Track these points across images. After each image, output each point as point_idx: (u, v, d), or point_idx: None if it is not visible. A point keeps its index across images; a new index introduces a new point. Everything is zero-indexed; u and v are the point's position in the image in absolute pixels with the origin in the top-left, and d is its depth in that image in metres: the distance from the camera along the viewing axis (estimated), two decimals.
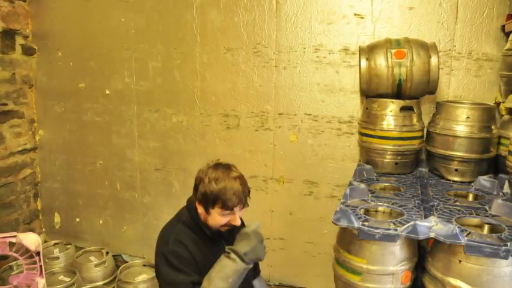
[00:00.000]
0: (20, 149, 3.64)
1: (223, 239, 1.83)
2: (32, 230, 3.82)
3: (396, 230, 1.65)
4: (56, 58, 3.59)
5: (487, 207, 1.92)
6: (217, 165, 1.76)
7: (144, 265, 3.50)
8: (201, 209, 1.75)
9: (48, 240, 3.85)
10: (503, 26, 2.48)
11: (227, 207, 1.68)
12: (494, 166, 2.40)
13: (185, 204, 1.93)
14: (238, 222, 1.73)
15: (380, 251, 1.75)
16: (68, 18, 3.48)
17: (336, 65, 2.84)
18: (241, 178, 1.74)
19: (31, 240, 2.70)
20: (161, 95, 3.32)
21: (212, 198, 1.67)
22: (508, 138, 2.19)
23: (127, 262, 3.58)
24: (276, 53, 2.96)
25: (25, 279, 2.78)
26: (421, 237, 1.63)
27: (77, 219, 3.86)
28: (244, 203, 1.73)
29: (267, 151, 3.11)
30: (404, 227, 1.66)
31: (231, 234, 1.79)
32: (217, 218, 1.71)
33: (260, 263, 2.10)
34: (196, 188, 1.75)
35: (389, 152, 2.43)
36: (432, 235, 1.62)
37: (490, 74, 2.59)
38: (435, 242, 1.70)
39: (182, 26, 3.15)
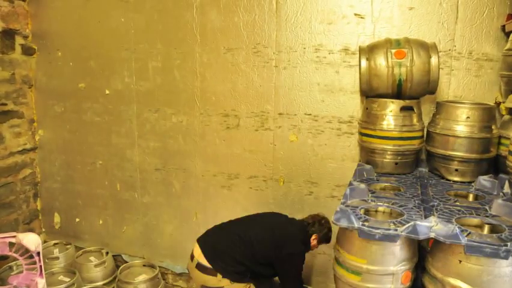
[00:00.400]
0: (19, 149, 3.64)
1: None
2: (31, 230, 3.82)
3: (396, 230, 1.65)
4: (55, 58, 3.59)
5: (487, 207, 1.92)
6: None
7: (144, 265, 3.50)
8: (312, 242, 2.58)
9: (48, 240, 3.85)
10: (504, 26, 2.47)
11: (326, 238, 2.66)
12: (494, 166, 2.40)
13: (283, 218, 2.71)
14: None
15: (380, 251, 1.75)
16: (68, 18, 3.48)
17: (336, 65, 2.84)
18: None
19: (31, 240, 2.70)
20: (161, 95, 3.32)
21: (323, 234, 2.63)
22: (508, 138, 2.19)
23: (126, 262, 3.58)
24: (276, 53, 2.96)
25: (25, 280, 2.78)
26: (421, 237, 1.63)
27: (77, 219, 3.86)
28: None
29: (267, 151, 3.11)
30: (404, 227, 1.65)
31: None
32: (313, 244, 2.61)
33: None
34: (321, 227, 2.63)
35: (389, 152, 2.42)
36: (432, 235, 1.62)
37: (490, 74, 2.59)
38: (436, 242, 1.70)
39: (182, 26, 3.15)
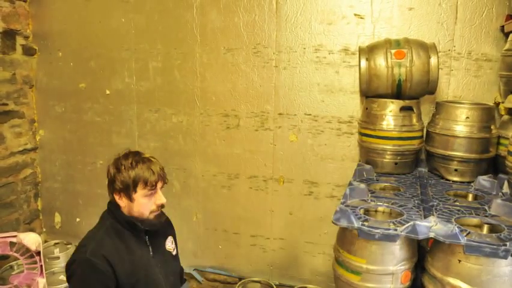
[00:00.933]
0: (20, 149, 3.64)
1: (148, 234, 1.81)
2: (32, 230, 3.82)
3: (396, 230, 1.66)
4: (56, 58, 3.59)
5: (486, 207, 1.93)
6: (126, 154, 1.80)
7: None
8: (123, 202, 1.73)
9: (49, 240, 3.85)
10: (503, 26, 2.48)
11: (150, 184, 1.71)
12: (493, 166, 2.40)
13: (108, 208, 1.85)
14: (163, 199, 1.78)
15: (380, 250, 1.75)
16: (69, 19, 3.49)
17: (336, 65, 2.84)
18: (153, 157, 1.82)
19: (32, 240, 2.71)
20: (161, 95, 3.32)
21: (133, 181, 1.69)
22: (507, 138, 2.20)
23: None
24: (276, 53, 2.97)
25: (26, 279, 2.79)
26: (421, 237, 1.64)
27: (78, 219, 3.86)
28: (164, 179, 1.79)
29: (267, 151, 3.11)
30: (404, 227, 1.66)
31: (155, 227, 1.81)
32: (142, 202, 1.71)
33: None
34: (112, 182, 1.74)
35: (388, 152, 2.43)
36: (431, 235, 1.63)
37: (489, 74, 2.59)
38: (435, 242, 1.71)
39: (182, 26, 3.15)
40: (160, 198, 1.77)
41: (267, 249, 3.26)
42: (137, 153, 1.80)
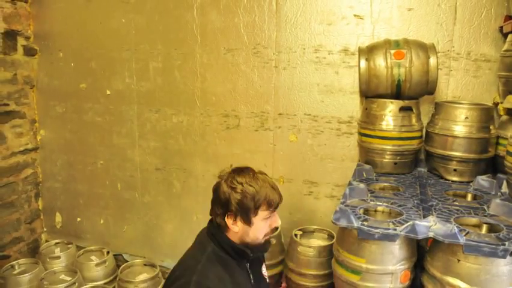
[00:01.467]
0: (21, 149, 3.65)
1: (249, 262, 1.66)
2: (33, 230, 3.84)
3: (395, 229, 1.67)
4: (57, 59, 3.60)
5: (485, 207, 1.94)
6: (237, 170, 1.56)
7: (145, 264, 3.52)
8: (237, 227, 1.52)
9: (50, 240, 3.86)
10: (501, 27, 2.49)
11: (272, 205, 1.52)
12: (492, 166, 2.41)
13: (204, 231, 1.68)
14: (279, 222, 1.60)
15: (379, 250, 1.76)
16: (70, 19, 3.50)
17: (336, 65, 2.85)
18: (265, 173, 1.61)
19: None
20: (161, 95, 3.33)
21: (255, 202, 1.49)
22: (506, 139, 2.21)
23: (127, 261, 3.59)
24: (275, 54, 2.97)
25: None
26: (420, 236, 1.65)
27: (78, 219, 3.88)
28: (281, 199, 1.59)
29: (266, 151, 3.12)
30: (403, 226, 1.67)
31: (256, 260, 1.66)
32: (261, 226, 1.53)
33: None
34: (225, 204, 1.53)
35: (388, 152, 2.44)
36: (431, 235, 1.64)
37: (488, 75, 2.60)
38: (434, 242, 1.72)
39: (182, 27, 3.16)
40: (276, 220, 1.58)
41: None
42: (247, 170, 1.56)
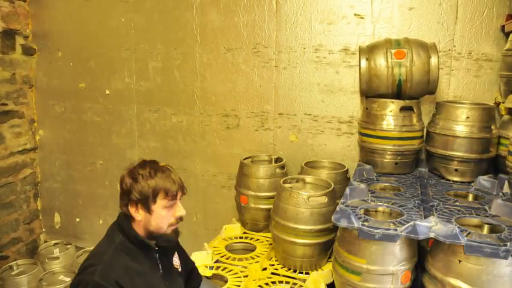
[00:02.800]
0: (20, 149, 3.64)
1: (159, 252, 1.71)
2: (32, 230, 3.83)
3: (396, 230, 1.65)
4: (56, 58, 3.59)
5: (486, 207, 1.93)
6: (142, 163, 1.65)
7: None
8: (140, 215, 1.59)
9: (49, 240, 3.85)
10: (503, 26, 2.48)
11: (170, 194, 1.61)
12: (494, 166, 2.40)
13: (113, 224, 1.70)
14: (183, 211, 1.69)
15: (380, 251, 1.75)
16: (69, 19, 3.49)
17: (336, 65, 2.84)
18: (170, 166, 1.71)
19: None
20: (161, 95, 3.32)
21: (152, 191, 1.57)
22: (508, 138, 2.20)
23: None
24: (276, 53, 2.96)
25: None
26: (421, 237, 1.63)
27: (77, 219, 3.86)
28: (183, 189, 1.70)
29: (267, 151, 3.11)
30: (404, 227, 1.66)
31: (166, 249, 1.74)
32: (161, 214, 1.61)
33: None
34: (128, 193, 1.59)
35: (388, 152, 2.43)
36: (432, 235, 1.63)
37: (489, 74, 2.59)
38: (435, 242, 1.71)
39: (182, 26, 3.15)
40: (179, 209, 1.67)
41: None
42: (154, 162, 1.67)
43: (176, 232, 1.71)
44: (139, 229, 1.63)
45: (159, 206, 1.60)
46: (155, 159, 1.71)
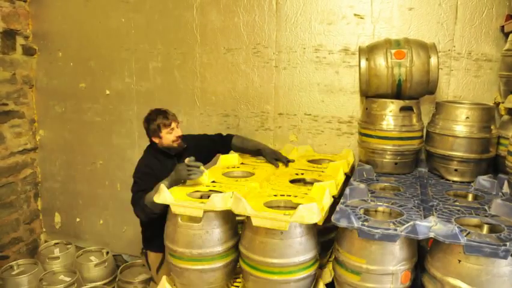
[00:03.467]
0: (20, 149, 3.65)
1: (177, 157, 2.59)
2: (32, 230, 3.83)
3: (395, 230, 1.66)
4: (56, 58, 3.59)
5: (486, 207, 1.93)
6: (150, 112, 2.59)
7: (144, 265, 3.51)
8: (157, 139, 2.54)
9: (49, 240, 3.85)
10: (503, 26, 2.48)
11: (166, 123, 2.50)
12: (493, 166, 2.40)
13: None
14: (179, 132, 2.56)
15: (380, 250, 1.75)
16: (69, 19, 3.49)
17: (336, 65, 2.84)
18: (167, 109, 2.59)
19: None
20: (161, 95, 3.32)
21: (156, 126, 2.50)
22: (507, 138, 2.20)
23: (127, 262, 3.59)
24: (276, 53, 2.97)
25: None
26: (421, 237, 1.64)
27: (78, 219, 3.87)
28: (176, 119, 2.56)
29: None
30: (404, 227, 1.66)
31: (182, 154, 2.58)
32: (166, 136, 2.51)
33: None
34: (147, 130, 2.56)
35: (388, 152, 2.43)
36: (431, 235, 1.63)
37: (489, 74, 2.59)
38: (435, 242, 1.71)
39: (182, 26, 3.15)
40: (177, 132, 2.53)
41: None
42: (156, 110, 2.57)
43: (180, 145, 2.56)
44: (160, 145, 2.55)
45: (164, 132, 2.51)
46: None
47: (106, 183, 3.67)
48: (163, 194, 2.03)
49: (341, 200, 1.97)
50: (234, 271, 2.17)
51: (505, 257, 1.50)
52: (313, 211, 1.78)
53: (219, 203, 1.93)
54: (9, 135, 3.53)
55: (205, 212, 1.95)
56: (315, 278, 2.05)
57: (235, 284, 2.21)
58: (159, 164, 2.53)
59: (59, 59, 3.59)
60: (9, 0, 3.37)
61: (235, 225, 2.12)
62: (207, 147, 2.80)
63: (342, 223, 1.73)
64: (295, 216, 1.78)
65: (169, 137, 2.52)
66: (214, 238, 2.02)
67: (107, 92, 3.49)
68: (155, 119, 2.52)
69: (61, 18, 3.51)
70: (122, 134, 3.53)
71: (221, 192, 2.05)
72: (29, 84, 3.68)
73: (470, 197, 2.18)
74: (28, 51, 3.61)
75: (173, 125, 2.54)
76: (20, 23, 3.50)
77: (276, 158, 2.64)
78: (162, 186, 2.05)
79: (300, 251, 1.90)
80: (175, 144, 2.54)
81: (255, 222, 1.83)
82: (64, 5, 3.48)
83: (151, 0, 3.21)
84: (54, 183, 3.86)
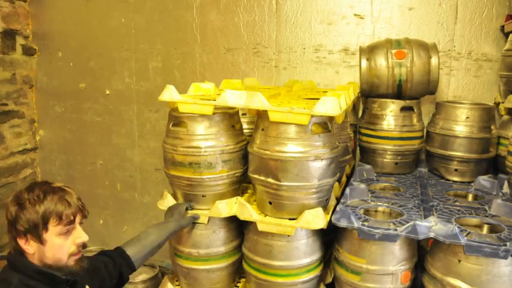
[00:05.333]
0: (20, 149, 3.64)
1: (70, 282, 1.47)
2: None
3: (396, 230, 1.66)
4: (56, 58, 3.59)
5: (486, 207, 1.93)
6: (30, 186, 1.40)
7: (144, 265, 3.50)
8: (32, 247, 1.35)
9: None
10: (503, 26, 2.48)
11: (66, 219, 1.36)
12: (493, 166, 2.40)
13: (4, 267, 1.42)
14: (85, 237, 1.44)
15: (380, 251, 1.75)
16: (69, 19, 3.49)
17: (336, 65, 2.84)
18: (67, 186, 1.46)
19: None
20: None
21: (42, 217, 1.32)
22: (508, 139, 2.20)
23: None
24: (276, 53, 2.97)
25: None
26: (421, 237, 1.64)
27: None
28: (83, 211, 1.46)
29: None
30: (404, 227, 1.66)
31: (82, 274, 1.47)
32: (57, 243, 1.36)
33: None
34: (13, 224, 1.34)
35: (389, 152, 2.43)
36: (432, 235, 1.63)
37: (489, 74, 2.59)
38: (435, 242, 1.71)
39: (182, 26, 3.15)
40: (80, 235, 1.42)
41: None
42: (45, 183, 1.41)
43: (80, 261, 1.46)
44: (36, 263, 1.38)
45: (52, 233, 1.35)
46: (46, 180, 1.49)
47: (106, 183, 3.67)
48: (167, 200, 2.04)
49: (341, 200, 1.97)
50: (239, 270, 2.18)
51: (505, 257, 1.50)
52: (318, 216, 1.79)
53: (223, 209, 1.93)
54: (9, 135, 3.53)
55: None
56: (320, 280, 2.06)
57: (239, 284, 2.22)
58: None
59: (59, 59, 3.59)
60: (9, 0, 3.37)
61: (240, 223, 2.12)
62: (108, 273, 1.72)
63: (342, 223, 1.73)
64: (300, 222, 1.79)
65: (62, 244, 1.38)
66: (221, 237, 2.03)
67: (107, 92, 3.49)
68: (41, 199, 1.34)
69: (61, 18, 3.51)
70: (122, 134, 3.53)
71: None
72: (29, 84, 3.67)
73: (470, 197, 2.18)
74: (28, 51, 3.60)
75: (78, 219, 1.45)
76: (20, 23, 3.50)
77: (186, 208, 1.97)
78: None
79: (307, 252, 1.91)
80: (70, 262, 1.42)
81: (261, 227, 1.84)
82: (64, 5, 3.48)
83: (151, 0, 3.20)
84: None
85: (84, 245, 1.44)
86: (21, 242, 1.35)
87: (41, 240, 1.33)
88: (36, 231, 1.33)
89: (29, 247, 1.35)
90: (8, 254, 1.41)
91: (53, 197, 1.36)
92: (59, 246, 1.36)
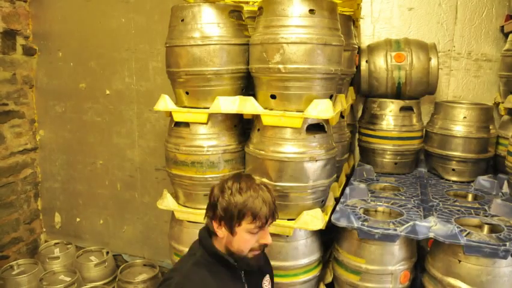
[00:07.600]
0: (20, 149, 3.64)
1: (245, 270, 1.56)
2: (32, 230, 3.83)
3: (395, 230, 1.66)
4: (56, 58, 3.59)
5: (486, 207, 1.93)
6: (238, 176, 1.51)
7: (144, 265, 3.51)
8: (222, 232, 1.47)
9: (49, 240, 3.85)
10: (502, 26, 2.48)
11: (258, 219, 1.42)
12: (493, 166, 2.40)
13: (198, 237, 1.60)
14: (269, 240, 1.49)
15: (379, 250, 1.76)
16: (69, 19, 3.49)
17: None
18: (268, 186, 1.50)
19: None
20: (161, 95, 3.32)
21: (238, 211, 1.41)
22: (507, 138, 2.20)
23: (127, 262, 3.58)
24: None
25: None
26: (420, 237, 1.64)
27: (78, 219, 3.87)
28: (275, 215, 1.50)
29: None
30: (404, 227, 1.66)
31: (254, 264, 1.53)
32: (245, 238, 1.44)
33: None
34: (213, 206, 1.46)
35: (388, 152, 2.43)
36: (431, 235, 1.63)
37: (489, 75, 2.60)
38: (435, 242, 1.71)
39: None
40: (265, 237, 1.48)
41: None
42: (249, 178, 1.50)
43: (257, 259, 1.52)
44: (220, 246, 1.51)
45: (244, 229, 1.44)
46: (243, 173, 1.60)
47: (106, 183, 3.67)
48: (166, 200, 2.04)
49: (341, 200, 1.97)
50: None
51: (505, 257, 1.51)
52: (317, 216, 1.79)
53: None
54: (10, 135, 3.53)
55: None
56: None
57: None
58: (214, 284, 1.48)
59: (59, 59, 3.59)
60: (9, 0, 3.37)
61: None
62: None
63: (342, 223, 1.73)
64: (299, 223, 1.79)
65: (248, 240, 1.46)
66: None
67: (107, 92, 3.49)
68: (240, 192, 1.43)
69: (61, 18, 3.51)
70: (122, 134, 3.53)
71: None
72: (29, 84, 3.68)
73: (470, 197, 2.18)
74: (28, 51, 3.60)
75: (269, 222, 1.49)
76: (20, 23, 3.50)
77: None
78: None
79: (305, 253, 1.91)
80: (250, 255, 1.50)
81: None
82: (64, 5, 3.48)
83: (151, 0, 3.20)
84: (54, 183, 3.85)
85: (265, 246, 1.52)
86: (215, 225, 1.48)
87: (232, 231, 1.45)
88: (231, 222, 1.43)
89: (220, 232, 1.48)
90: (200, 230, 1.58)
91: (253, 193, 1.43)
92: (246, 241, 1.46)
